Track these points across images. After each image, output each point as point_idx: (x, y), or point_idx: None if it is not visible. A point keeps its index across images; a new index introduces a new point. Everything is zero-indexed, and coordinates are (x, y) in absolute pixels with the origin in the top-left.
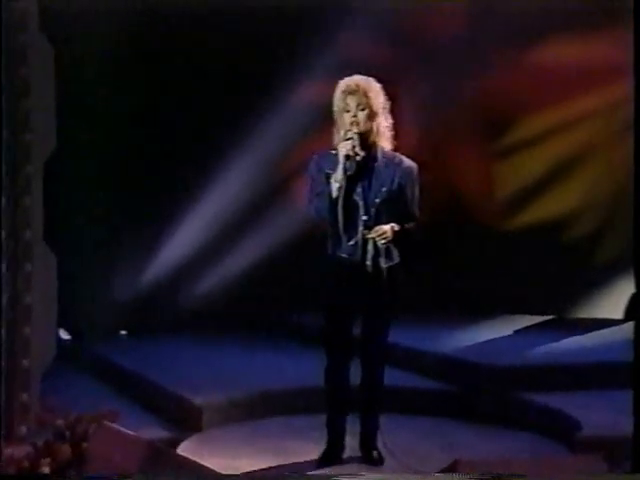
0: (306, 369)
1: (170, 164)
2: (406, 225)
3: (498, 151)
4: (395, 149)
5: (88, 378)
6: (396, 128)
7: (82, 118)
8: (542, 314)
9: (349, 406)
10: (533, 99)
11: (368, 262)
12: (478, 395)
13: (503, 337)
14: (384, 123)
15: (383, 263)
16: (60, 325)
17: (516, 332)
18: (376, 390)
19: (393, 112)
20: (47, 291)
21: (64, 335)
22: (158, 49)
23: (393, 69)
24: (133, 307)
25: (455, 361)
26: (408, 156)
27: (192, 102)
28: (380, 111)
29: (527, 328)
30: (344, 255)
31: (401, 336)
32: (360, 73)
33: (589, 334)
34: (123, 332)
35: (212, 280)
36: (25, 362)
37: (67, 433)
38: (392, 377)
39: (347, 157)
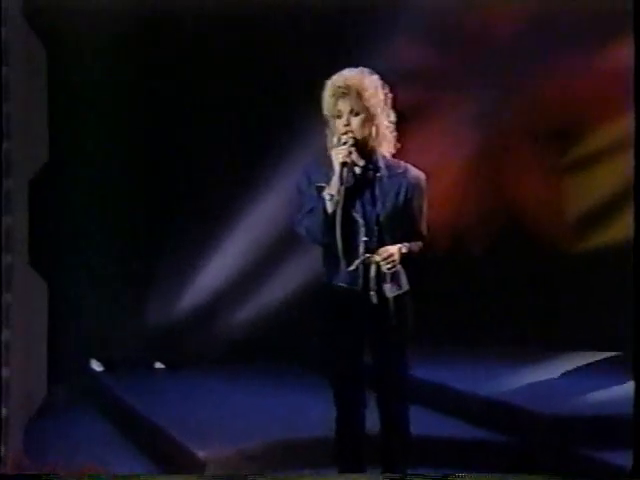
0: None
1: (205, 186)
2: (413, 246)
3: (565, 165)
4: (398, 152)
5: (102, 418)
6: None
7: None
8: (606, 350)
9: (365, 461)
10: (605, 107)
11: (372, 292)
12: (533, 448)
13: (563, 377)
14: (384, 122)
15: (389, 292)
16: (92, 355)
17: (576, 371)
18: (399, 439)
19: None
20: (32, 326)
21: (97, 367)
22: (171, 50)
23: (448, 75)
24: (167, 338)
25: (503, 406)
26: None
27: (225, 114)
28: (379, 111)
29: (589, 367)
30: (343, 284)
31: (437, 375)
32: (416, 81)
33: None
34: (159, 365)
35: (249, 309)
36: (3, 410)
37: None
38: (426, 424)
39: (344, 165)
